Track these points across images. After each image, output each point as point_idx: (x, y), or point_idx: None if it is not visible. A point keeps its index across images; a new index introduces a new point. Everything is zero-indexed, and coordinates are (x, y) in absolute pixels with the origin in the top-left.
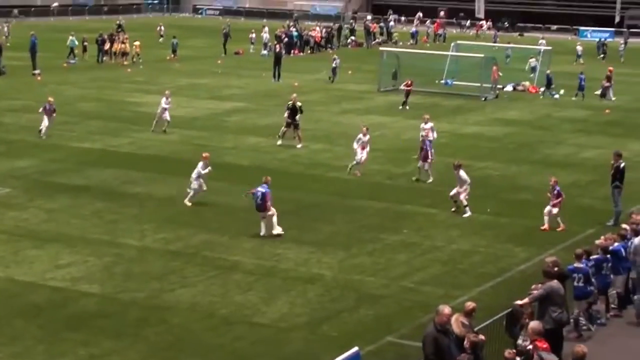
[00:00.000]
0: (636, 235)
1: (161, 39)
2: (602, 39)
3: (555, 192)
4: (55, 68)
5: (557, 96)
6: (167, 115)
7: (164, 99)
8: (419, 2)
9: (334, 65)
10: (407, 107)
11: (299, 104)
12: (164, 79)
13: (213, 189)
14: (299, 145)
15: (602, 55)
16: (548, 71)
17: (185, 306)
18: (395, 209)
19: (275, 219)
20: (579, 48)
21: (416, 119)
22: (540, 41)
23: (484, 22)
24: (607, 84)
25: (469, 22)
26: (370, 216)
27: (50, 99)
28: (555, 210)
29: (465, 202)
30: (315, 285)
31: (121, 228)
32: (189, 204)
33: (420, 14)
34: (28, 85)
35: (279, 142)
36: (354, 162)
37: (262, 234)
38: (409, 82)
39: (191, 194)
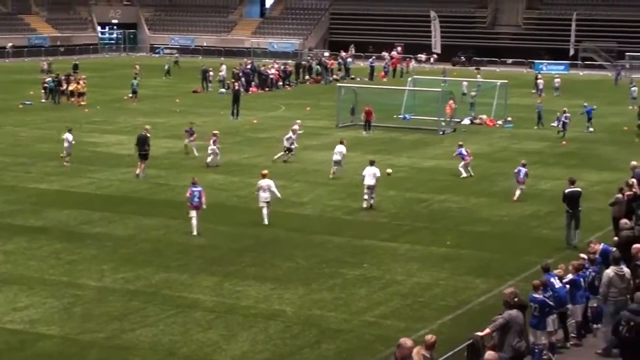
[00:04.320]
0: (593, 265)
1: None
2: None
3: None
4: (10, 110)
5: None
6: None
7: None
8: (376, 38)
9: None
10: (371, 131)
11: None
12: (122, 119)
13: (172, 227)
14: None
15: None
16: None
17: (146, 346)
18: (355, 243)
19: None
20: (540, 82)
21: (375, 154)
22: (478, 76)
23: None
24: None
25: (424, 56)
26: (330, 251)
27: None
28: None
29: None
30: (277, 321)
31: (80, 269)
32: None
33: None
34: None
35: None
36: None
37: (194, 233)
38: (368, 109)
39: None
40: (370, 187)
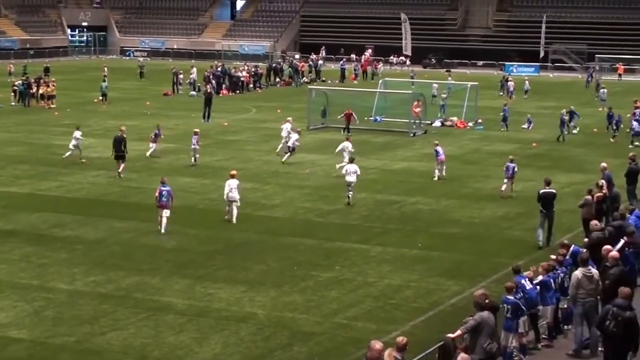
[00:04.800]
0: (561, 266)
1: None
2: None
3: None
4: None
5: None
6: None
7: (287, 125)
8: (347, 40)
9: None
10: (350, 133)
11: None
12: (92, 122)
13: (143, 230)
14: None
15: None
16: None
17: (117, 349)
18: (327, 245)
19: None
20: (511, 84)
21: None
22: (449, 78)
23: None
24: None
25: (399, 59)
26: (301, 253)
27: None
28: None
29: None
30: (248, 324)
31: (51, 272)
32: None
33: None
34: None
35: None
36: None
37: (162, 231)
38: (348, 111)
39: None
40: (349, 184)
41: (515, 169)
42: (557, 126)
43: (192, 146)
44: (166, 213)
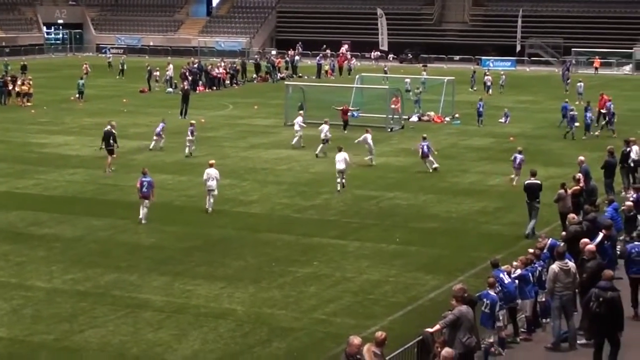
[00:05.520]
0: (538, 260)
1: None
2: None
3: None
4: None
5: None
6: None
7: (299, 119)
8: (323, 36)
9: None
10: (346, 131)
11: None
12: (68, 119)
13: (120, 227)
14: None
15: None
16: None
17: (96, 347)
18: (305, 241)
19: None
20: (488, 78)
21: (323, 152)
22: (423, 73)
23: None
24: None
25: (373, 53)
26: (279, 249)
27: None
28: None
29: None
30: (227, 320)
31: (29, 270)
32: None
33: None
34: None
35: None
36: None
37: (143, 222)
38: (344, 108)
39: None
40: (341, 171)
41: (523, 160)
42: (534, 120)
43: (187, 138)
44: (146, 204)
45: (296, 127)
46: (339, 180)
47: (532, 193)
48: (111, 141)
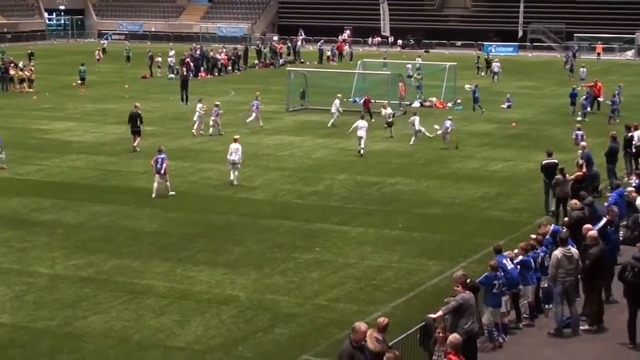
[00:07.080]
0: (540, 246)
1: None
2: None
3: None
4: None
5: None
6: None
7: (337, 101)
8: (325, 22)
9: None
10: (372, 120)
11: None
12: (70, 106)
13: (123, 213)
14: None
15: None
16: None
17: (99, 332)
18: (307, 227)
19: (168, 183)
20: (495, 65)
21: (324, 138)
22: (418, 58)
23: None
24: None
25: (373, 39)
26: (281, 235)
27: None
28: None
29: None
30: (230, 306)
31: (31, 256)
32: None
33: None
34: None
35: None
36: None
37: (153, 196)
38: (367, 98)
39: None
40: (361, 137)
41: (582, 136)
42: (536, 106)
43: (212, 119)
44: (159, 178)
45: (333, 110)
46: (362, 147)
47: (552, 172)
48: (138, 122)
